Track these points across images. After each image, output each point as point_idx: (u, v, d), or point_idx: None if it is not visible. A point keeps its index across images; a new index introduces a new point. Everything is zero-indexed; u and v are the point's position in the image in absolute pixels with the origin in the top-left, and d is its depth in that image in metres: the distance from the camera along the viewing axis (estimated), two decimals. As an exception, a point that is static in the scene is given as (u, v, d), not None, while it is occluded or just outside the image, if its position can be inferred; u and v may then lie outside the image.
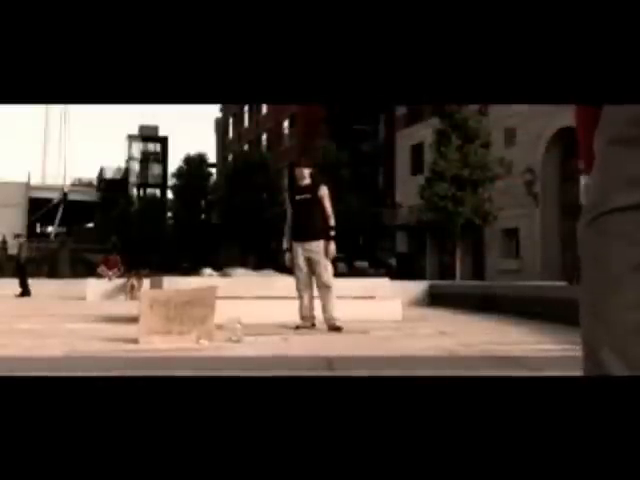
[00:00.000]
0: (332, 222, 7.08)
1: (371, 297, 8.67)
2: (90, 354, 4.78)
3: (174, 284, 7.76)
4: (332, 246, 6.96)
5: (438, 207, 21.27)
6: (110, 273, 16.25)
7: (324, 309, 6.95)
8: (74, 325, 7.40)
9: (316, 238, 6.99)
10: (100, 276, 16.42)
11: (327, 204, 7.09)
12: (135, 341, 5.44)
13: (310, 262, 6.99)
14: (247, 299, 7.87)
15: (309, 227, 7.00)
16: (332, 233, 7.02)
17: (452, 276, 23.31)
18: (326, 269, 6.97)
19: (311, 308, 7.10)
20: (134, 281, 14.76)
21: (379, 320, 7.84)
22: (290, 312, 7.26)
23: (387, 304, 8.55)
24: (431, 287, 13.00)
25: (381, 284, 9.22)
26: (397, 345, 5.61)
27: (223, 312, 6.40)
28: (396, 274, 24.63)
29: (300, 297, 7.12)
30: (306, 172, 7.16)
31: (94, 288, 15.12)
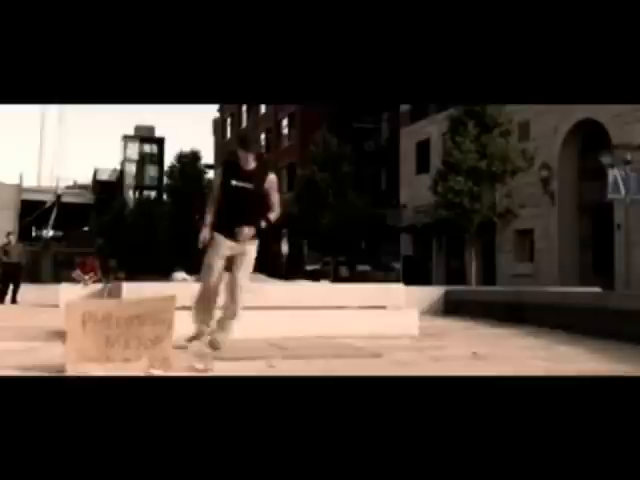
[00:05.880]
0: (273, 217, 5.43)
1: (381, 307, 7.17)
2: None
3: (136, 291, 6.24)
4: (250, 230, 5.30)
5: (453, 203, 19.30)
6: (86, 277, 14.71)
7: (219, 322, 5.35)
8: (6, 344, 5.92)
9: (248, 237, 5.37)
10: (75, 281, 14.93)
11: (274, 198, 5.45)
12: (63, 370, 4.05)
13: (232, 261, 5.39)
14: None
15: (241, 222, 5.29)
16: (263, 224, 5.37)
17: (461, 280, 21.86)
18: (247, 271, 5.41)
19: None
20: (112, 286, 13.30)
21: (392, 335, 6.43)
22: (282, 326, 5.81)
23: (401, 315, 7.04)
24: (448, 293, 11.42)
25: (394, 291, 7.63)
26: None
27: (192, 328, 5.21)
28: (402, 278, 23.27)
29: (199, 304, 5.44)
30: (250, 156, 5.49)
31: (67, 294, 13.60)
